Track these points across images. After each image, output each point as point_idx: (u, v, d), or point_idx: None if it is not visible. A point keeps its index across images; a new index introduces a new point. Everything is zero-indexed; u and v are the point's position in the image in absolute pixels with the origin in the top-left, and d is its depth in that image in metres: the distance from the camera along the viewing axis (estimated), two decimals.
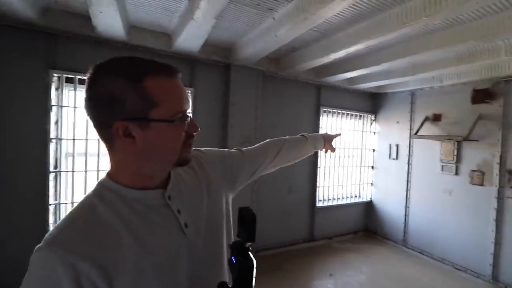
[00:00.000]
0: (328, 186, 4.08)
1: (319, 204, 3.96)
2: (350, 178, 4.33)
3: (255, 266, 0.57)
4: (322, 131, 3.86)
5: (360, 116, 4.38)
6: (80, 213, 0.54)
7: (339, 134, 1.31)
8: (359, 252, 3.69)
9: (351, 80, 3.79)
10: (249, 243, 0.59)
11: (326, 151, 1.24)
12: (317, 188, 3.91)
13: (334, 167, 4.11)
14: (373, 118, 4.46)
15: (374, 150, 4.47)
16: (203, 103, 2.99)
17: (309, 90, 3.78)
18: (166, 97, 0.57)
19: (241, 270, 0.56)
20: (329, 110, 4.00)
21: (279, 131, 3.22)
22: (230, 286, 0.57)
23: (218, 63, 3.02)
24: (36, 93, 2.29)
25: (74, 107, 2.48)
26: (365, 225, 4.45)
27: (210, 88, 3.03)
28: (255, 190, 3.20)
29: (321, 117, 3.89)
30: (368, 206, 4.46)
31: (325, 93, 3.89)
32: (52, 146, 2.42)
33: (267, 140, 1.04)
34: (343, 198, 4.27)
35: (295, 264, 3.25)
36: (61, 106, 2.46)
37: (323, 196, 4.05)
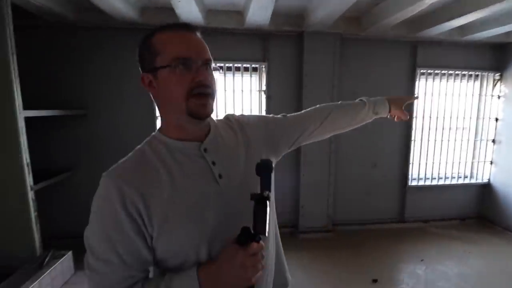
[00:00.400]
0: (427, 163, 3.49)
1: (412, 182, 3.46)
2: (459, 154, 3.56)
3: (268, 212, 0.60)
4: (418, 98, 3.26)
5: (477, 75, 3.44)
6: (133, 155, 0.69)
7: (416, 97, 1.09)
8: (466, 241, 3.08)
9: (462, 29, 2.99)
10: (266, 192, 0.62)
11: (394, 118, 1.06)
12: (410, 165, 3.41)
13: (436, 141, 3.46)
14: (497, 78, 3.43)
15: (497, 119, 3.48)
16: (277, 77, 3.02)
17: (401, 49, 3.21)
18: (166, 45, 0.63)
19: (256, 215, 0.60)
20: (429, 71, 3.31)
21: None
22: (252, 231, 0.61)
23: (290, 33, 2.94)
24: None
25: None
26: (478, 211, 3.63)
27: (283, 60, 3.01)
28: (332, 162, 3.09)
29: (417, 82, 3.28)
30: (485, 189, 3.59)
31: (423, 50, 3.23)
32: (159, 122, 3.00)
33: (317, 105, 0.99)
34: (447, 178, 3.57)
35: (378, 244, 3.02)
36: None
37: (419, 174, 3.51)
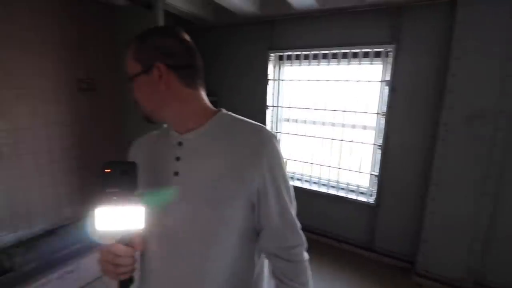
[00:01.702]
0: None
1: None
2: None
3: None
4: None
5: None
6: (149, 134, 0.85)
7: None
8: None
9: None
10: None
11: None
12: None
13: None
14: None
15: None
16: (408, 62, 2.33)
17: None
18: None
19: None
20: None
21: None
22: None
23: (433, 3, 2.14)
24: (259, 70, 3.03)
25: (279, 80, 2.99)
26: None
27: (421, 40, 2.27)
28: (489, 187, 2.07)
29: None
30: None
31: None
32: (268, 112, 3.13)
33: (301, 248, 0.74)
34: None
35: None
36: (276, 80, 3.06)
37: None
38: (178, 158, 0.70)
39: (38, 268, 1.76)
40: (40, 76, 2.22)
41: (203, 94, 0.74)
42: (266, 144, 0.67)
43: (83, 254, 1.93)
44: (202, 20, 2.98)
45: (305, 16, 2.63)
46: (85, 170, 2.63)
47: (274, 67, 3.06)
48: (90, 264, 1.91)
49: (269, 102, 3.09)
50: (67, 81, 2.41)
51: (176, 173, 0.69)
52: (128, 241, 0.62)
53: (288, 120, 3.14)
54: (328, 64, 2.72)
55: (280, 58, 3.01)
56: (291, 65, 2.98)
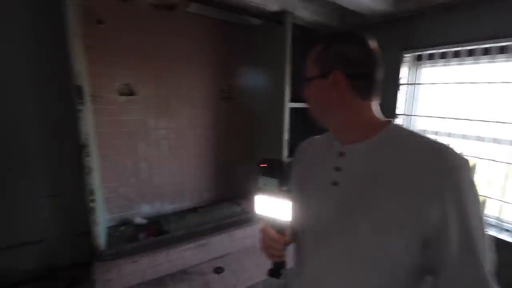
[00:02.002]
0: None
1: None
2: None
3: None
4: None
5: None
6: (315, 138, 0.88)
7: None
8: None
9: None
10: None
11: None
12: None
13: None
14: None
15: None
16: None
17: None
18: None
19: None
20: None
21: None
22: None
23: None
24: (388, 75, 2.71)
25: (415, 84, 2.56)
26: None
27: None
28: None
29: None
30: None
31: None
32: (398, 122, 2.75)
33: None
34: None
35: None
36: (410, 84, 2.66)
37: None
38: (338, 168, 0.68)
39: (183, 235, 2.28)
40: (196, 89, 2.89)
41: (376, 105, 0.70)
42: (454, 171, 0.54)
43: (213, 232, 2.35)
44: (328, 27, 2.99)
45: (456, 5, 2.15)
46: (221, 164, 3.19)
47: (409, 69, 2.67)
48: (218, 242, 2.31)
49: (399, 110, 2.72)
50: (213, 91, 3.01)
51: (335, 183, 0.68)
52: (279, 229, 0.75)
53: (424, 131, 2.65)
54: (476, 63, 2.12)
55: (418, 58, 2.59)
56: (432, 66, 2.50)
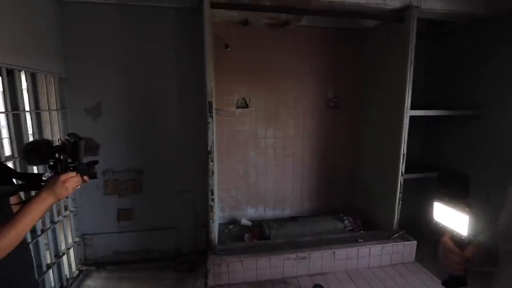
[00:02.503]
0: None
1: None
2: None
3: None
4: None
5: None
6: None
7: None
8: None
9: None
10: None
11: None
12: None
13: None
14: None
15: None
16: None
17: None
18: None
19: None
20: None
21: None
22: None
23: None
24: None
25: None
26: None
27: None
28: None
29: None
30: None
31: None
32: None
33: None
34: None
35: None
36: None
37: None
38: None
39: (285, 243, 2.31)
40: (303, 99, 2.90)
41: None
42: None
43: (314, 246, 2.26)
44: (466, 16, 2.41)
45: None
46: (324, 175, 3.07)
47: None
48: (319, 257, 2.21)
49: None
50: (320, 100, 2.95)
51: None
52: (457, 242, 0.73)
53: None
54: None
55: None
56: None
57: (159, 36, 2.44)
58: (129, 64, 2.42)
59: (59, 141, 0.99)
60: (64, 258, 2.23)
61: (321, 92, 2.93)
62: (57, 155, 0.95)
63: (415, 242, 2.39)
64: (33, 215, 0.82)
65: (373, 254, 2.30)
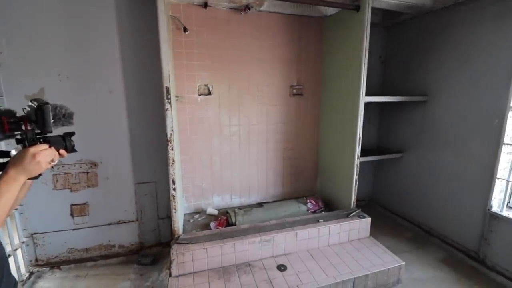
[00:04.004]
0: None
1: None
2: None
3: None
4: None
5: None
6: None
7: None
8: None
9: None
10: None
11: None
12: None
13: None
14: None
15: None
16: None
17: None
18: None
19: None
20: None
21: None
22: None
23: None
24: (494, 59, 2.17)
25: None
26: None
27: None
28: None
29: None
30: None
31: None
32: (511, 117, 2.18)
33: None
34: None
35: None
36: None
37: None
38: None
39: (249, 229, 2.34)
40: (267, 86, 2.90)
41: None
42: None
43: (278, 229, 2.34)
44: (417, 7, 2.57)
45: None
46: (288, 161, 3.15)
47: None
48: (282, 239, 2.28)
49: None
50: (284, 88, 2.97)
51: None
52: None
53: None
54: None
55: None
56: None
57: (109, 16, 2.25)
58: (75, 46, 2.21)
59: (24, 111, 0.83)
60: (11, 260, 2.04)
61: (284, 79, 2.95)
62: (23, 127, 0.81)
63: (370, 219, 2.59)
64: (6, 198, 0.71)
65: (332, 232, 2.44)
